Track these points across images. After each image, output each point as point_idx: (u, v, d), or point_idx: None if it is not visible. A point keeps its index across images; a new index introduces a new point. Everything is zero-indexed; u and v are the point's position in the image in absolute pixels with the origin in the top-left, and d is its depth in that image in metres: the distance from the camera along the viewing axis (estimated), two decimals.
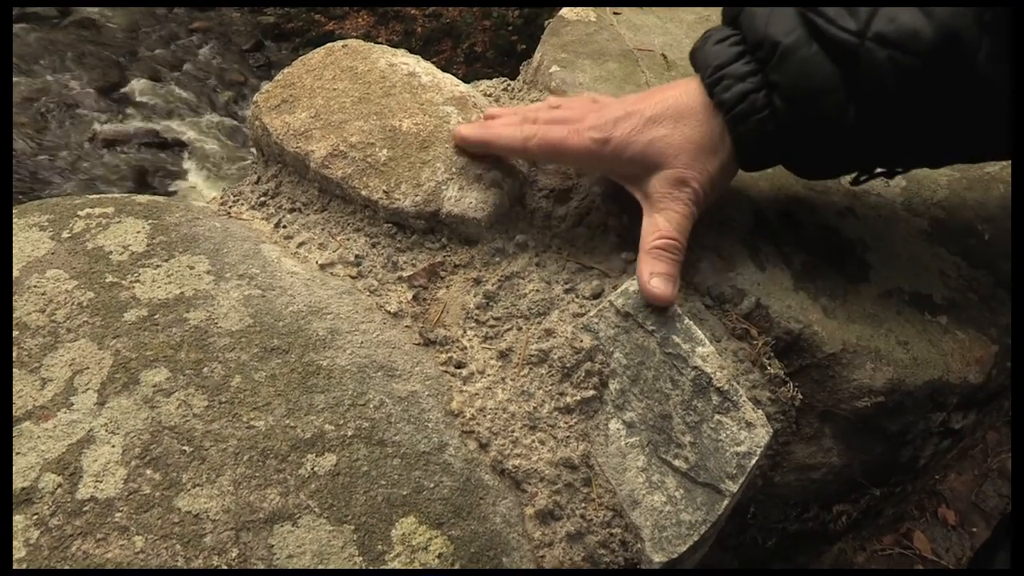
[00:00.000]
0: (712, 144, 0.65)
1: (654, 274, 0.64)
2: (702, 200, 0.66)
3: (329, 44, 0.91)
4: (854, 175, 0.73)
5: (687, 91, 0.66)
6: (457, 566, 0.59)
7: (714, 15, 1.06)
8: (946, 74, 0.59)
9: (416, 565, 0.58)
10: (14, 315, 0.67)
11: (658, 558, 0.63)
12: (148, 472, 0.59)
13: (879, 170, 0.70)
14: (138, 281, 0.70)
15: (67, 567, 0.55)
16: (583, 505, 0.65)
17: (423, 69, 0.87)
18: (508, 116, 0.75)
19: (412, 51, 0.92)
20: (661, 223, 0.65)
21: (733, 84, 0.63)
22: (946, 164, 0.71)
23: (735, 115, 0.63)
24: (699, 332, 0.65)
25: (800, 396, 0.70)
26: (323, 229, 0.78)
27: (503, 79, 0.98)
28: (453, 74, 0.90)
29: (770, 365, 0.69)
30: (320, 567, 0.56)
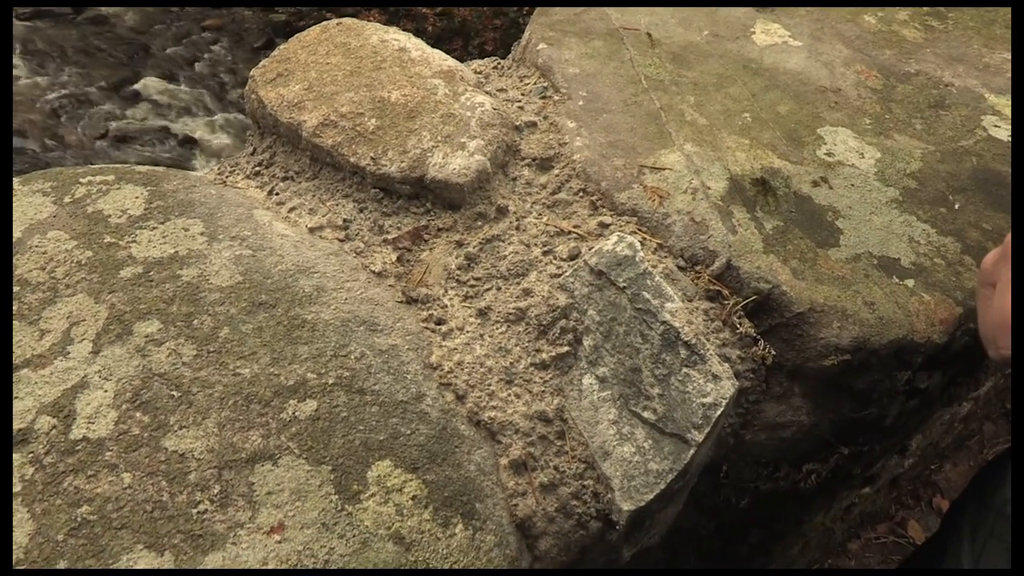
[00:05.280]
0: None
1: None
2: None
3: (324, 22, 0.94)
4: None
5: None
6: (431, 508, 0.61)
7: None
8: None
9: (391, 505, 0.60)
10: (16, 273, 0.70)
11: (627, 506, 0.65)
12: (138, 415, 0.62)
13: None
14: (135, 241, 0.74)
15: (59, 502, 0.58)
16: (556, 457, 0.68)
17: (413, 45, 0.89)
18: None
19: None
20: None
21: None
22: None
23: None
24: (669, 289, 0.67)
25: (773, 353, 0.72)
26: (314, 195, 0.81)
27: (494, 58, 1.01)
28: None
29: (740, 324, 0.72)
30: (298, 504, 0.59)
